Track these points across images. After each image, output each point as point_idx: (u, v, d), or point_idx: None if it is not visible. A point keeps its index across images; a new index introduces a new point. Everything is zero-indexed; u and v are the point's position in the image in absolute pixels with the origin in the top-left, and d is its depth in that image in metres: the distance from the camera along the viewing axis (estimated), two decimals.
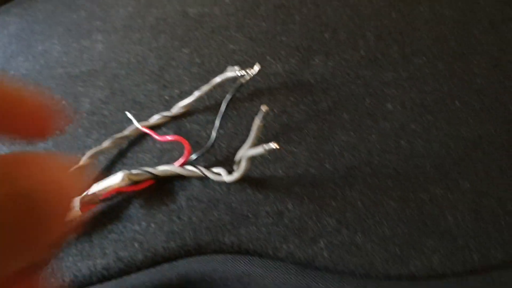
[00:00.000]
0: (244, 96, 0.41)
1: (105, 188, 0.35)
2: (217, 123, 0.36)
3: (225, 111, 0.40)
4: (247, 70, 0.39)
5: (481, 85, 0.36)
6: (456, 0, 0.45)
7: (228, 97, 0.38)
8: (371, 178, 0.34)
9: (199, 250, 0.34)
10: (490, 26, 0.42)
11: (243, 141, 0.38)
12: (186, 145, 0.37)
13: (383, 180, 0.34)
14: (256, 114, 0.40)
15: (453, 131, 0.35)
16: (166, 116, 0.41)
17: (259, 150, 0.30)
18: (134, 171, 0.36)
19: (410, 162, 0.34)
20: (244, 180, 0.36)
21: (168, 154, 0.39)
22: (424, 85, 0.37)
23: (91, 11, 0.55)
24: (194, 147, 0.39)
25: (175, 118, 0.42)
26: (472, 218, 0.31)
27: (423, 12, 0.45)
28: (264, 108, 0.29)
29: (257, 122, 0.31)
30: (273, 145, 0.29)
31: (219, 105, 0.40)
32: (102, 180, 0.36)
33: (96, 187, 0.35)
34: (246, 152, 0.32)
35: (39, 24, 0.55)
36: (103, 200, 0.36)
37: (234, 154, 0.37)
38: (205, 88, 0.40)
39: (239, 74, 0.38)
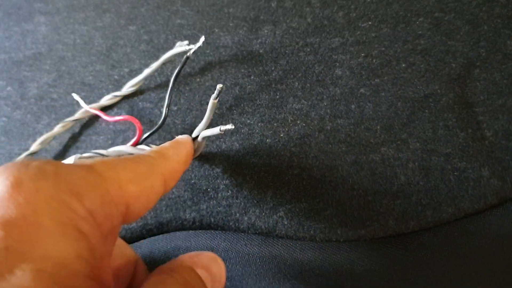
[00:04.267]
0: (196, 71, 0.39)
1: None
2: (167, 99, 0.33)
3: (177, 87, 0.38)
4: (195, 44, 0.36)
5: (424, 45, 0.35)
6: None
7: (175, 72, 0.35)
8: (324, 144, 0.33)
9: (161, 229, 0.32)
10: None
11: (196, 116, 0.36)
12: (137, 124, 0.34)
13: (336, 145, 0.32)
14: (208, 88, 0.37)
15: (401, 92, 0.34)
16: (117, 96, 0.38)
17: (215, 131, 0.29)
18: (85, 154, 0.33)
19: (361, 125, 0.33)
20: (201, 155, 0.34)
21: (122, 134, 0.37)
22: (371, 49, 0.36)
23: None
24: (148, 126, 0.36)
25: (127, 97, 0.39)
26: (422, 176, 0.30)
27: None
28: (219, 86, 0.27)
29: (212, 100, 0.29)
30: (230, 126, 0.27)
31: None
32: None
33: None
34: (203, 132, 0.30)
35: None
36: None
37: (188, 130, 0.35)
38: (154, 65, 0.38)
39: (188, 49, 0.36)
